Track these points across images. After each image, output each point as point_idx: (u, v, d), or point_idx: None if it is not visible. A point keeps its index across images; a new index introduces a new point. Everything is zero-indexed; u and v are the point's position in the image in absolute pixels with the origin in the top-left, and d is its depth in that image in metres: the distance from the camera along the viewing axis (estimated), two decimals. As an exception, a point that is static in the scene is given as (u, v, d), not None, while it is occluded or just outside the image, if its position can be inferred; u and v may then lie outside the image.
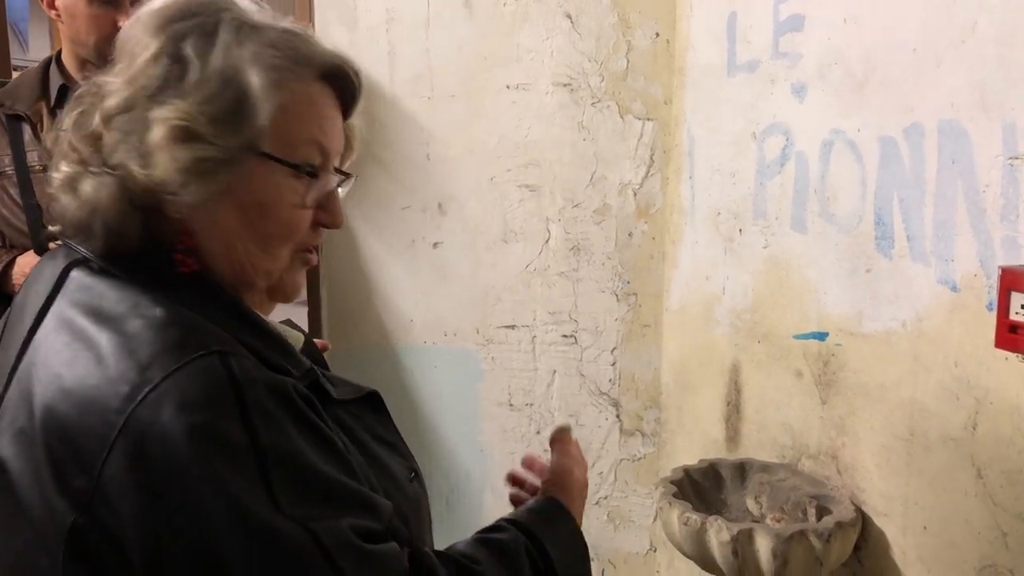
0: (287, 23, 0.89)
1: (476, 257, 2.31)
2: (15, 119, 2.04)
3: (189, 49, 0.81)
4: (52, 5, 2.08)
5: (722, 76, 1.88)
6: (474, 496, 2.41)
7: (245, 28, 0.84)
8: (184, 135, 0.79)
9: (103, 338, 0.76)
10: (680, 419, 2.13)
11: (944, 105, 1.34)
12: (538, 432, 2.31)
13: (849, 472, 1.58)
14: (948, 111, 1.34)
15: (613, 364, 2.22)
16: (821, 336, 1.62)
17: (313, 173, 0.86)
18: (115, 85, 0.82)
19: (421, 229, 2.36)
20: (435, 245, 2.35)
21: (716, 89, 1.91)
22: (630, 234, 2.16)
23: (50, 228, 0.89)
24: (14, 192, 2.03)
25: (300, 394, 0.78)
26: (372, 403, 0.99)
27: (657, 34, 2.07)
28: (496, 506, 2.38)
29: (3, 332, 0.87)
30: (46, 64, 2.13)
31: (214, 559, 0.70)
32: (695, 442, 2.05)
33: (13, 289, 1.93)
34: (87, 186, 0.81)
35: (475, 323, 2.33)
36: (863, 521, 1.54)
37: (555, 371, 2.27)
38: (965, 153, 1.31)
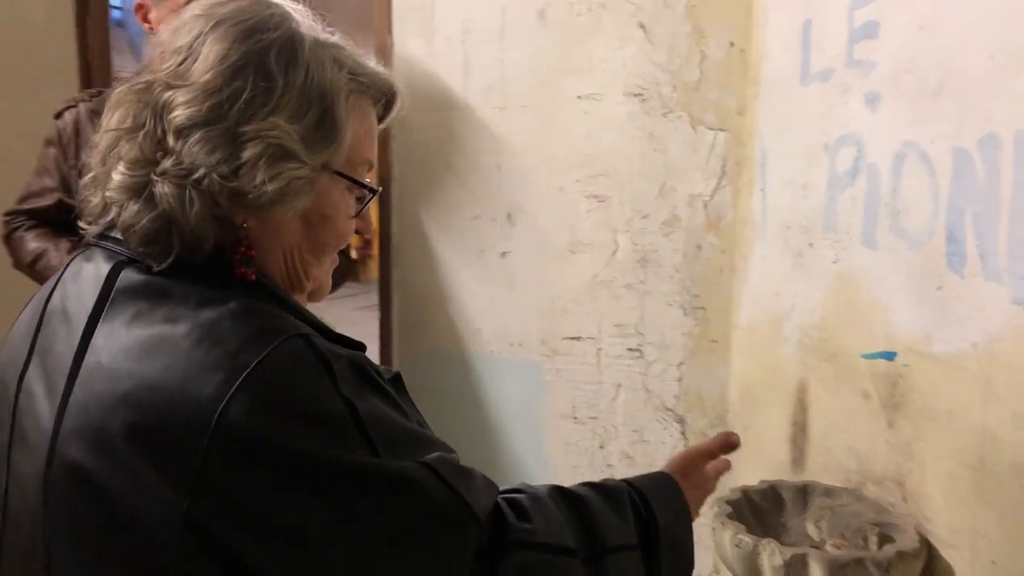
0: (342, 40, 0.91)
1: (543, 267, 2.30)
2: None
3: (273, 64, 0.81)
4: (146, 19, 2.17)
5: (795, 86, 1.83)
6: (536, 508, 2.38)
7: (317, 46, 0.85)
8: (280, 153, 0.79)
9: (179, 330, 0.76)
10: (746, 439, 2.06)
11: (1022, 114, 1.27)
12: (601, 446, 2.28)
13: (915, 500, 1.50)
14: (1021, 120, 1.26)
15: (679, 380, 2.18)
16: (889, 356, 1.55)
17: (373, 190, 0.90)
18: (186, 92, 0.79)
19: (490, 238, 2.37)
20: (503, 255, 2.35)
21: (789, 99, 1.86)
22: (699, 247, 2.12)
23: (83, 226, 0.89)
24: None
25: (371, 365, 0.82)
26: (396, 385, 0.99)
27: (731, 43, 2.03)
28: (558, 519, 2.35)
29: (38, 334, 0.86)
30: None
31: (347, 525, 0.73)
32: (760, 463, 1.99)
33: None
34: (166, 195, 0.79)
35: (541, 334, 2.32)
36: (929, 553, 1.46)
37: (620, 385, 2.24)
38: (1043, 165, 1.23)
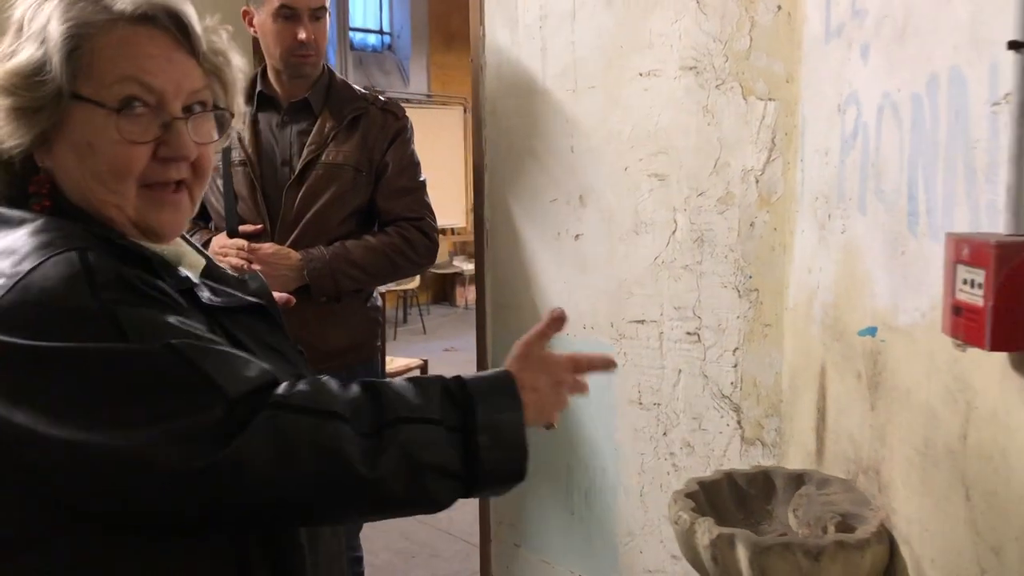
0: None
1: (611, 249, 2.28)
2: (223, 121, 2.42)
3: (27, 20, 0.96)
4: (251, 24, 2.42)
5: (821, 45, 1.69)
6: (609, 493, 2.36)
7: None
8: (2, 90, 0.94)
9: None
10: (791, 429, 1.92)
11: (950, 48, 1.12)
12: (665, 433, 2.21)
13: (887, 489, 1.35)
14: (952, 55, 1.11)
15: (735, 366, 2.06)
16: (872, 332, 1.40)
17: (120, 108, 0.95)
18: None
19: (565, 221, 2.38)
20: (577, 237, 2.36)
21: (818, 60, 1.72)
22: (752, 224, 2.00)
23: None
24: (219, 183, 2.39)
25: (144, 282, 0.92)
26: (262, 313, 1.10)
27: (779, 7, 1.90)
28: (627, 505, 2.32)
29: None
30: (254, 75, 2.48)
31: (96, 394, 0.84)
32: (797, 454, 1.84)
33: (208, 263, 2.30)
34: None
35: (610, 316, 2.30)
36: (892, 549, 1.30)
37: (680, 370, 2.16)
38: (963, 103, 1.08)
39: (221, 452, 0.84)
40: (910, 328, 1.25)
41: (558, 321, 1.06)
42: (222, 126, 1.08)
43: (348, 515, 0.99)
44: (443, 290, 11.23)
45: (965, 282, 0.93)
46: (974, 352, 1.03)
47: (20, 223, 0.93)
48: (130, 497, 0.85)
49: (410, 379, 0.99)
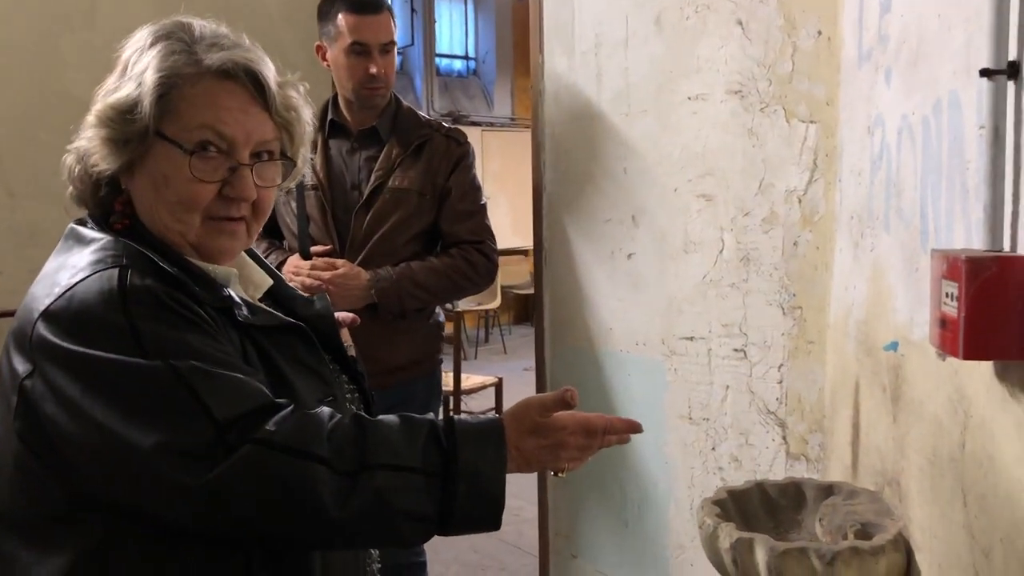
0: (224, 35, 1.14)
1: (662, 268, 2.34)
2: (298, 147, 2.59)
3: (131, 63, 1.11)
4: (324, 58, 2.59)
5: (855, 69, 1.74)
6: (660, 505, 2.42)
7: (169, 40, 1.10)
8: (98, 122, 1.08)
9: (62, 262, 1.07)
10: (832, 444, 1.95)
11: (950, 73, 1.17)
12: (713, 448, 2.26)
13: (906, 500, 1.39)
14: (952, 80, 1.16)
15: (780, 382, 2.10)
16: (894, 347, 1.45)
17: (194, 151, 1.08)
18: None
19: (619, 240, 2.46)
20: (629, 256, 2.44)
21: (853, 83, 1.77)
22: (795, 243, 2.05)
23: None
24: (294, 205, 2.56)
25: (175, 300, 1.03)
26: (300, 334, 1.20)
27: (819, 32, 1.95)
28: (678, 518, 2.37)
29: None
30: (326, 103, 2.64)
31: (106, 395, 0.96)
32: (837, 468, 1.88)
33: (282, 281, 2.46)
34: (67, 160, 1.14)
35: (660, 333, 2.36)
36: (909, 557, 1.34)
37: (728, 386, 2.21)
38: (960, 127, 1.13)
39: (209, 474, 0.94)
40: (922, 342, 1.29)
41: (566, 404, 1.13)
42: (286, 172, 1.21)
43: (322, 547, 1.08)
44: (524, 310, 11.36)
45: (947, 295, 0.98)
46: (969, 364, 1.08)
47: (90, 243, 1.07)
48: (133, 493, 0.97)
49: (403, 418, 1.05)
